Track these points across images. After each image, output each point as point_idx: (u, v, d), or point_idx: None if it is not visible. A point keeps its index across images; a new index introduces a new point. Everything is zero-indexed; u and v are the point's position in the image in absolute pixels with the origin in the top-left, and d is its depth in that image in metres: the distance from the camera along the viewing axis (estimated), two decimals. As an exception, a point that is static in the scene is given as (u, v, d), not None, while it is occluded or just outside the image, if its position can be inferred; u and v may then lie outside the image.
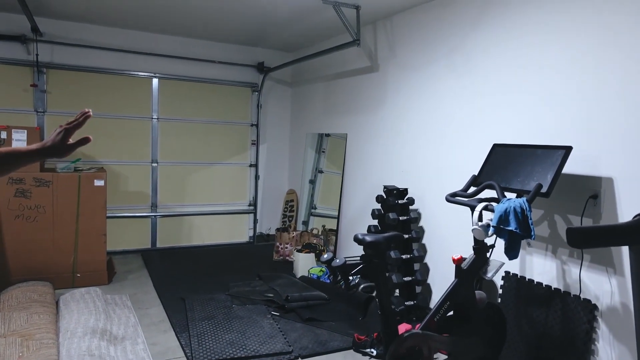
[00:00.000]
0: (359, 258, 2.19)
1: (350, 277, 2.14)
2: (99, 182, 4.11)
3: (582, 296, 2.52)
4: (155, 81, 5.36)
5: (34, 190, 3.90)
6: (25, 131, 3.88)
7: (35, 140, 3.95)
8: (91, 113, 1.21)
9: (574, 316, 2.52)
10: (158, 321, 3.44)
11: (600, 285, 2.45)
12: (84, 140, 1.17)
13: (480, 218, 2.41)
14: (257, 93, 5.93)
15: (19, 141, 3.78)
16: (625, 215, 2.32)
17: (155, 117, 5.39)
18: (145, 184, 5.41)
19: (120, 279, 4.39)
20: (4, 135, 3.75)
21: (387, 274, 2.43)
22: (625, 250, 2.33)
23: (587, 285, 2.51)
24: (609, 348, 2.39)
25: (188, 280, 4.38)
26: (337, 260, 2.13)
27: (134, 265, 4.86)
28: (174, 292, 4.02)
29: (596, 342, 2.45)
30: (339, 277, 2.13)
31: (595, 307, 2.46)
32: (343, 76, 4.97)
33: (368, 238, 2.18)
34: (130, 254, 5.29)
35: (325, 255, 2.19)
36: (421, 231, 3.75)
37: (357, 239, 2.22)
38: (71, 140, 1.19)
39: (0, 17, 4.60)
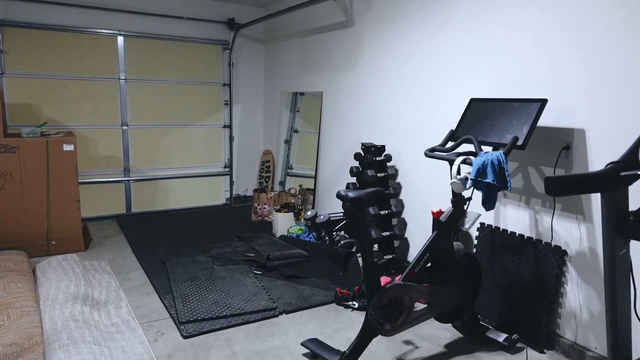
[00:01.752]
0: (342, 214, 2.22)
1: (334, 233, 2.17)
2: (68, 147, 3.97)
3: (553, 243, 2.64)
4: (120, 39, 5.11)
5: (-1, 156, 3.74)
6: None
7: (-4, 104, 3.76)
8: None
9: (545, 262, 2.65)
10: (140, 285, 3.44)
11: (570, 233, 2.57)
12: None
13: (458, 171, 2.45)
14: (228, 51, 5.75)
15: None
16: (595, 165, 2.41)
17: (122, 77, 5.18)
18: (117, 148, 5.26)
19: (97, 245, 4.33)
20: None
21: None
22: (593, 198, 2.44)
23: (558, 232, 2.62)
24: (577, 290, 2.54)
25: (167, 244, 4.36)
26: (321, 217, 2.15)
27: (110, 231, 4.79)
28: (154, 256, 4.00)
29: (565, 286, 2.59)
30: (323, 234, 2.16)
31: (565, 253, 2.59)
32: (318, 32, 4.85)
33: (351, 194, 2.20)
34: (105, 219, 5.20)
35: (309, 213, 2.21)
36: (399, 187, 3.81)
37: (339, 196, 2.24)
38: None
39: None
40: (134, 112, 5.29)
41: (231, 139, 5.93)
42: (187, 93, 5.55)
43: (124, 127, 5.26)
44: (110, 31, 5.04)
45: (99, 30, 4.98)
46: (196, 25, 5.52)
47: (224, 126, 5.89)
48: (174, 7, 5.35)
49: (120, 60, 5.14)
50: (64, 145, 3.96)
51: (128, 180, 5.37)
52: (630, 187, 1.65)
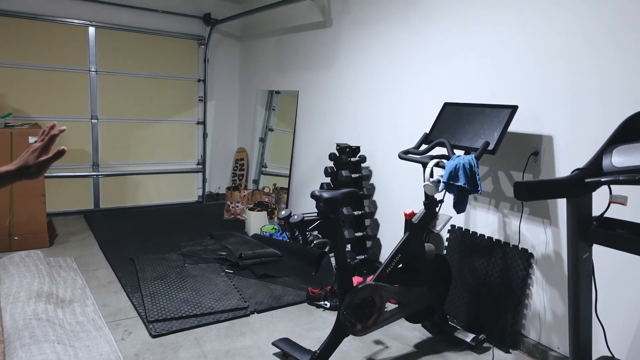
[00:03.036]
0: (316, 214, 2.22)
1: (307, 233, 2.17)
2: (33, 139, 3.83)
3: (520, 246, 2.72)
4: (92, 30, 4.97)
5: (-41, 147, 3.58)
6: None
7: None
8: (56, 131, 1.11)
9: (512, 264, 2.72)
10: (107, 282, 3.36)
11: (536, 236, 2.65)
12: (59, 154, 1.08)
13: (431, 174, 2.49)
14: (203, 46, 5.67)
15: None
16: (562, 171, 2.49)
17: (93, 69, 5.04)
18: (85, 142, 5.11)
19: (62, 241, 4.20)
20: None
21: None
22: (559, 203, 2.52)
23: (525, 236, 2.70)
24: (541, 292, 2.62)
25: (136, 241, 4.27)
26: (295, 217, 2.14)
27: (77, 227, 4.66)
28: (122, 253, 3.91)
29: (531, 287, 2.67)
30: (297, 233, 2.16)
31: (531, 255, 2.67)
32: (295, 31, 4.84)
33: (325, 194, 2.20)
34: (72, 215, 5.05)
35: (283, 212, 2.20)
36: (372, 188, 3.84)
37: (314, 196, 2.24)
38: (45, 157, 1.09)
39: None
40: (104, 106, 5.15)
41: (205, 135, 5.85)
42: (160, 88, 5.44)
43: (94, 121, 5.12)
44: (81, 21, 4.89)
45: (70, 20, 4.83)
46: (171, 19, 5.42)
47: (198, 122, 5.81)
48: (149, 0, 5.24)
49: (91, 52, 5.00)
50: (30, 137, 3.82)
51: (97, 175, 5.23)
52: (594, 193, 1.72)
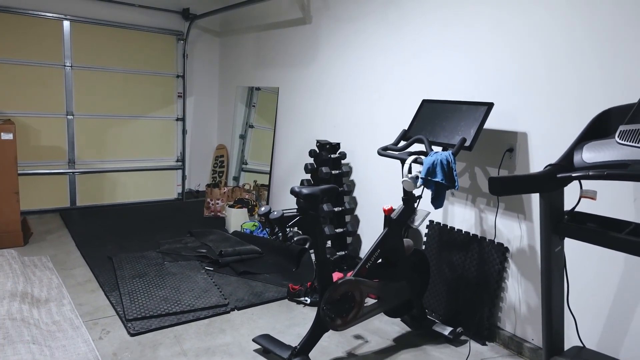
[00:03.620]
0: (295, 210, 2.23)
1: (287, 230, 2.18)
2: (6, 136, 3.73)
3: (496, 240, 2.78)
4: (66, 24, 4.86)
5: None
6: None
7: None
8: None
9: (488, 258, 2.78)
10: (84, 281, 3.31)
11: (512, 230, 2.71)
12: None
13: (409, 170, 2.53)
14: (182, 42, 5.60)
15: None
16: (536, 167, 2.55)
17: (68, 64, 4.93)
18: (61, 138, 5.01)
19: (37, 240, 4.11)
20: None
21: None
22: (533, 198, 2.59)
23: (501, 230, 2.76)
24: (516, 285, 2.69)
25: (114, 239, 4.21)
26: (275, 213, 2.15)
27: (52, 225, 4.56)
28: (99, 252, 3.85)
29: (506, 280, 2.74)
30: (277, 230, 2.16)
31: (507, 249, 2.73)
32: (275, 27, 4.82)
33: (305, 190, 2.21)
34: (47, 213, 4.95)
35: (263, 209, 2.21)
36: (352, 184, 3.87)
37: (293, 192, 2.25)
38: None
39: None
40: (80, 101, 5.05)
41: (184, 132, 5.79)
42: (138, 83, 5.36)
43: (69, 117, 5.01)
44: (55, 15, 4.78)
45: (43, 13, 4.72)
46: (149, 14, 5.34)
47: (177, 119, 5.74)
48: (126, -7, 5.15)
49: (66, 46, 4.89)
50: (2, 133, 3.72)
51: (73, 172, 5.12)
52: (565, 188, 1.77)
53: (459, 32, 2.95)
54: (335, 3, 3.99)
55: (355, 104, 3.83)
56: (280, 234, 2.19)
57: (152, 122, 5.56)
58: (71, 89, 4.98)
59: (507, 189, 1.79)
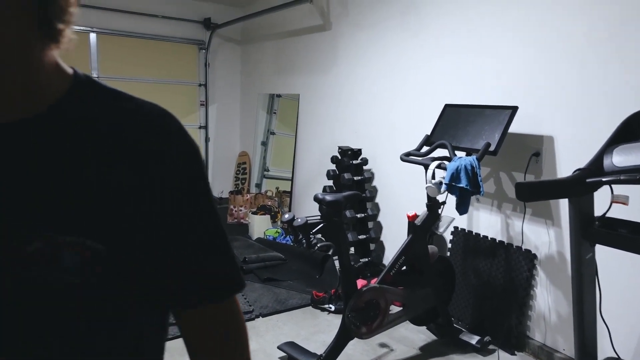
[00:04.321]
0: (319, 217, 2.23)
1: (311, 237, 2.18)
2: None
3: (523, 247, 2.72)
4: (93, 36, 4.99)
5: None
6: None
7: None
8: None
9: (515, 266, 2.72)
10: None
11: (539, 237, 2.65)
12: None
13: (433, 176, 2.50)
14: (204, 51, 5.69)
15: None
16: (563, 172, 2.49)
17: (95, 75, 5.06)
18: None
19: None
20: None
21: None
22: (562, 203, 2.52)
23: (528, 237, 2.70)
24: (546, 293, 2.62)
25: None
26: (299, 220, 2.15)
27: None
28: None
29: (535, 288, 2.67)
30: (300, 237, 2.17)
31: (535, 256, 2.67)
32: (295, 34, 4.86)
33: (328, 197, 2.21)
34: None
35: (287, 216, 2.21)
36: (374, 190, 3.85)
37: (317, 199, 2.25)
38: None
39: None
40: (106, 112, 5.17)
41: (207, 140, 5.87)
42: (162, 92, 5.46)
43: (96, 127, 5.14)
44: (82, 28, 4.92)
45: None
46: (172, 24, 5.44)
47: (200, 127, 5.83)
48: (149, 5, 5.26)
49: (92, 58, 5.03)
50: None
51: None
52: (595, 193, 1.72)
53: (480, 35, 2.92)
54: (354, 10, 3.99)
55: (376, 109, 3.82)
56: (304, 240, 2.19)
57: (176, 130, 5.64)
58: (98, 100, 5.10)
59: (534, 194, 1.76)
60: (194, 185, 0.64)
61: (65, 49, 0.64)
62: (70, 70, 0.65)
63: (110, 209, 0.57)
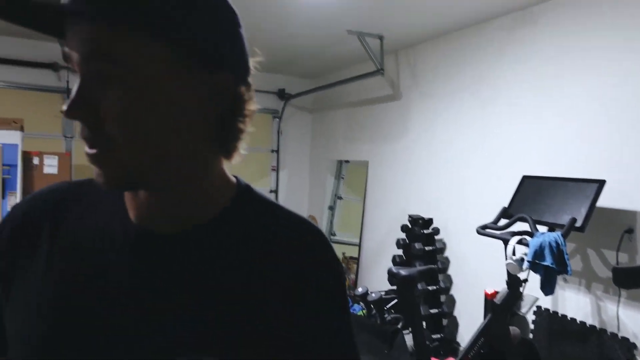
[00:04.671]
0: (392, 291, 2.18)
1: (385, 312, 2.12)
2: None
3: (619, 334, 2.45)
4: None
5: None
6: (57, 157, 3.96)
7: (66, 166, 4.03)
8: None
9: (611, 354, 2.45)
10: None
11: (638, 324, 2.38)
12: None
13: (513, 252, 2.38)
14: (277, 119, 6.01)
15: (51, 167, 3.86)
16: (663, 252, 2.28)
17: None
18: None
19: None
20: (36, 161, 3.83)
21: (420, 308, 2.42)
22: (664, 287, 2.28)
23: (625, 322, 2.44)
24: (650, 389, 2.32)
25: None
26: (373, 295, 2.11)
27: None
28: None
29: (636, 383, 2.37)
30: (374, 312, 2.11)
31: (634, 346, 2.39)
32: (364, 104, 5.02)
33: (402, 272, 2.16)
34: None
35: (360, 289, 2.18)
36: (447, 261, 3.71)
37: (391, 273, 2.21)
38: None
39: (29, 44, 4.75)
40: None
41: (276, 203, 6.03)
42: (238, 160, 5.76)
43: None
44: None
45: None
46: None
47: (271, 191, 6.03)
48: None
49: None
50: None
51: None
52: None
53: (558, 103, 2.85)
54: (425, 81, 4.08)
55: (448, 178, 3.77)
56: (377, 315, 2.13)
57: (248, 194, 5.88)
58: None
59: (635, 281, 1.61)
60: (330, 321, 0.62)
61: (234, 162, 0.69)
62: (233, 180, 0.71)
63: (254, 333, 0.57)
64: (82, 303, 0.58)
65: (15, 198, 3.92)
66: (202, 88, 0.58)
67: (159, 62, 0.54)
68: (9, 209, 3.82)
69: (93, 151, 0.55)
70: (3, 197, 3.84)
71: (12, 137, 3.72)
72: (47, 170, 3.86)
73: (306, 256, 0.63)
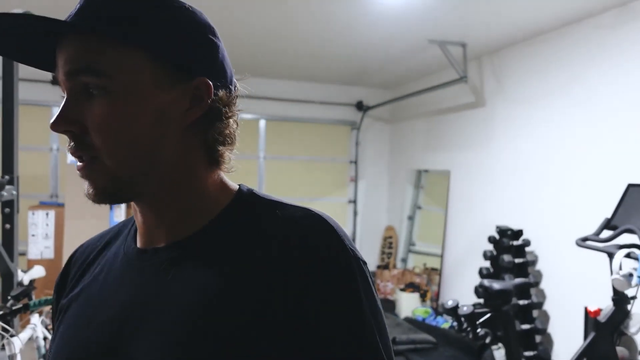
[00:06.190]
0: (485, 305, 2.11)
1: (478, 327, 2.05)
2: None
3: None
4: (262, 122, 5.72)
5: None
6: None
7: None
8: None
9: None
10: None
11: None
12: None
13: (620, 266, 2.20)
14: (356, 131, 6.07)
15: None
16: None
17: (262, 156, 5.72)
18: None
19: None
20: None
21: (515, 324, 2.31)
22: None
23: None
24: None
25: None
26: (465, 308, 2.06)
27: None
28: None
29: None
30: (465, 325, 2.06)
31: None
32: (445, 112, 4.92)
33: (496, 285, 2.09)
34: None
35: (450, 302, 2.14)
36: (539, 275, 3.50)
37: (483, 286, 2.15)
38: None
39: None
40: (269, 189, 5.75)
41: (355, 213, 6.07)
42: (316, 169, 5.91)
43: (259, 201, 5.71)
44: (254, 115, 5.68)
45: (245, 115, 5.65)
46: (328, 108, 5.96)
47: (349, 201, 6.09)
48: (309, 92, 5.88)
49: (261, 141, 5.72)
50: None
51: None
52: None
53: (670, 108, 2.61)
54: (510, 85, 3.93)
55: (537, 187, 3.58)
56: (469, 329, 2.08)
57: (328, 204, 5.98)
58: (263, 177, 5.73)
59: None
60: (338, 319, 0.56)
61: (227, 170, 0.69)
62: (234, 187, 0.69)
63: (258, 338, 0.54)
64: (85, 325, 0.63)
65: (120, 210, 4.31)
66: (184, 96, 0.60)
67: (142, 73, 0.57)
68: (116, 220, 4.21)
69: (81, 165, 0.58)
70: (110, 209, 4.24)
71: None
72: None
73: (306, 251, 0.58)
